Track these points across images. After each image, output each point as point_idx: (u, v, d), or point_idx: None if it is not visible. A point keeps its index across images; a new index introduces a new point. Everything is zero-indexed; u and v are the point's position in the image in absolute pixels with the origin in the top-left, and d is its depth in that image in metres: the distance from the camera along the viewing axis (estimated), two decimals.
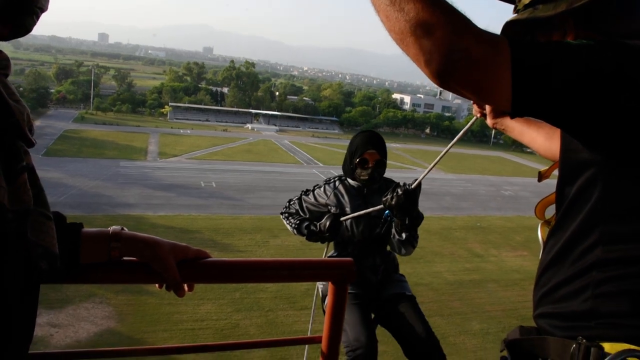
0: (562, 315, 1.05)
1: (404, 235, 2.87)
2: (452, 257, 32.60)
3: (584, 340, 0.98)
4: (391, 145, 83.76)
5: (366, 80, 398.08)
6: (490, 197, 52.61)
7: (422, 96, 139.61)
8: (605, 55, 0.89)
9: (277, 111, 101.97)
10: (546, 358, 1.08)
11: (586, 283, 1.01)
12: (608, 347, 0.94)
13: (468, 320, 23.71)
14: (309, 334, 3.52)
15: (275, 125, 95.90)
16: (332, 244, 3.25)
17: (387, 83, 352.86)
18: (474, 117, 1.98)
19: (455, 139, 2.36)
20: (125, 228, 1.17)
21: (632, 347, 0.92)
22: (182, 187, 45.16)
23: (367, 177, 3.09)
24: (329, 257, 3.20)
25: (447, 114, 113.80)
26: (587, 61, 0.88)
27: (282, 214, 3.39)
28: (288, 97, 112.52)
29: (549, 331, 1.08)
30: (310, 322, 3.49)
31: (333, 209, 3.18)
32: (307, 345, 3.35)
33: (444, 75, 0.90)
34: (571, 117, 0.91)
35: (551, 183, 1.28)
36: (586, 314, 1.00)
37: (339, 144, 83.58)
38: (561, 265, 1.07)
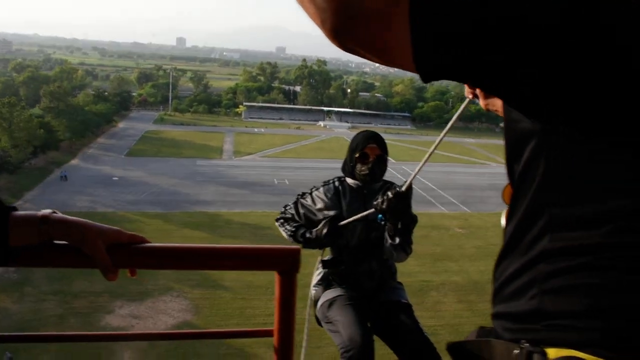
0: (510, 316, 0.89)
1: (396, 239, 2.75)
2: None
3: (527, 345, 0.83)
4: (464, 140, 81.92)
5: None
6: None
7: None
8: None
9: (349, 108, 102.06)
10: None
11: (533, 277, 0.85)
12: (552, 352, 0.80)
13: None
14: (304, 340, 3.44)
15: (348, 122, 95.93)
16: (327, 248, 3.14)
17: None
18: (466, 100, 1.81)
19: (447, 127, 2.16)
20: (57, 211, 1.16)
21: (576, 353, 0.78)
22: (256, 184, 46.13)
23: (367, 172, 2.98)
24: (322, 260, 3.12)
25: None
26: (505, 12, 0.71)
27: (277, 220, 3.29)
28: (360, 93, 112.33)
29: (499, 334, 0.92)
30: (306, 328, 3.43)
31: (331, 212, 3.06)
32: (307, 310, 3.24)
33: (341, 35, 0.78)
34: (493, 76, 0.76)
35: None
36: (533, 314, 0.85)
37: (411, 139, 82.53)
38: (512, 256, 0.91)
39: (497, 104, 1.48)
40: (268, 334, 1.42)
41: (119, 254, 1.18)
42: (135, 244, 1.23)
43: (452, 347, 1.01)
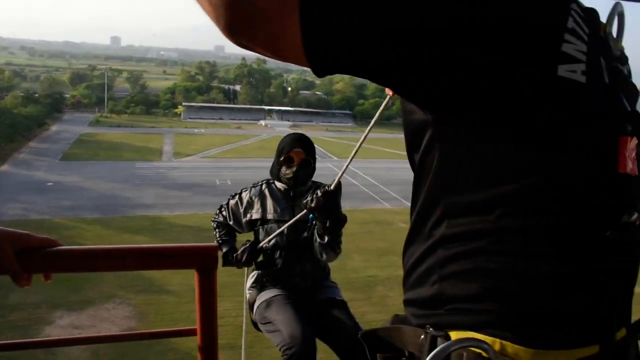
0: (417, 302, 0.93)
1: (325, 238, 2.78)
2: None
3: (431, 329, 0.86)
4: (403, 137, 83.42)
5: None
6: None
7: None
8: None
9: (290, 106, 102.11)
10: (404, 349, 0.96)
11: (433, 263, 0.88)
12: (454, 335, 0.83)
13: None
14: (242, 342, 3.49)
15: (289, 121, 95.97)
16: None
17: None
18: (387, 97, 1.78)
19: (370, 126, 2.17)
20: None
21: (474, 334, 0.81)
22: (198, 185, 45.46)
23: (291, 175, 3.01)
24: (256, 262, 3.14)
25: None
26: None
27: (212, 221, 3.32)
28: (300, 92, 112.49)
29: (408, 319, 0.96)
30: (244, 331, 3.41)
31: (255, 214, 3.09)
32: (244, 321, 3.29)
33: (235, 32, 0.78)
34: (382, 64, 0.77)
35: None
36: (435, 299, 0.88)
37: (353, 137, 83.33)
38: (415, 243, 0.95)
39: None
40: (191, 332, 1.41)
41: (30, 258, 1.13)
42: (47, 247, 1.18)
43: (366, 335, 1.02)
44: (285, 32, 0.76)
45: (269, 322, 2.91)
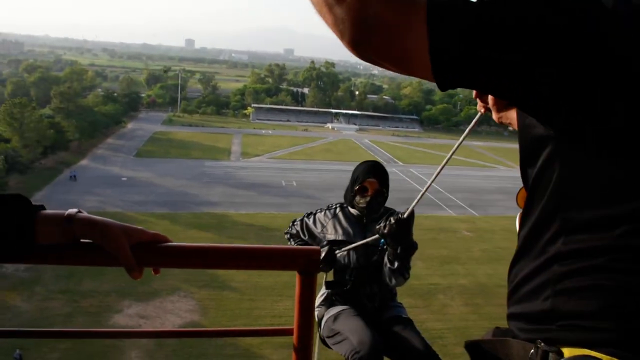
0: (526, 316, 0.94)
1: (395, 264, 2.81)
2: None
3: (542, 344, 0.86)
4: (473, 144, 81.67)
5: None
6: None
7: None
8: (550, 5, 0.75)
9: (357, 110, 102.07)
10: None
11: (547, 279, 0.88)
12: (567, 352, 0.83)
13: None
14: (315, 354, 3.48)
15: (355, 125, 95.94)
16: (331, 271, 3.21)
17: None
18: (478, 114, 1.77)
19: (459, 141, 2.13)
20: (82, 210, 1.19)
21: (591, 352, 0.80)
22: (264, 186, 46.22)
23: (364, 205, 3.06)
24: (326, 282, 3.22)
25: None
26: (523, 13, 0.74)
27: (286, 233, 3.42)
28: (368, 96, 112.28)
29: (515, 333, 0.97)
30: (316, 346, 3.44)
31: (330, 236, 3.15)
32: (317, 333, 3.26)
33: (360, 46, 0.80)
34: (508, 85, 0.79)
35: None
36: (547, 315, 0.88)
37: (419, 142, 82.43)
38: (527, 258, 0.95)
39: (510, 117, 1.54)
40: (288, 332, 1.46)
41: (143, 252, 1.21)
42: (159, 243, 1.25)
43: (470, 346, 1.06)
44: (412, 45, 0.77)
45: (337, 333, 2.95)
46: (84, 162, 51.54)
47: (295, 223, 3.35)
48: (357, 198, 3.09)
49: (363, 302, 3.13)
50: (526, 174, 0.98)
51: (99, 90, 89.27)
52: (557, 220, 0.87)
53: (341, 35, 0.81)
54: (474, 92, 1.71)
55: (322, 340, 3.18)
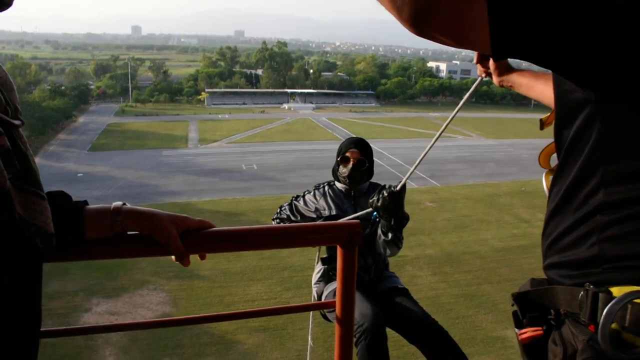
0: (569, 264, 1.01)
1: (389, 235, 2.93)
2: (498, 224, 32.15)
3: (592, 287, 0.93)
4: (430, 115, 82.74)
5: (400, 50, 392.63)
6: (534, 161, 50.38)
7: (457, 62, 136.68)
8: None
9: (313, 89, 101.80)
10: (556, 308, 1.06)
11: (591, 228, 0.95)
12: (616, 291, 0.90)
13: (518, 286, 22.90)
14: (309, 333, 3.57)
15: (312, 103, 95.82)
16: (324, 247, 3.34)
17: (421, 52, 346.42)
18: (479, 78, 1.88)
19: (459, 106, 2.19)
20: (127, 203, 1.19)
21: (639, 288, 0.88)
22: (225, 171, 45.88)
23: (347, 174, 3.23)
24: (321, 258, 3.32)
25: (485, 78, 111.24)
26: None
27: (273, 219, 3.48)
28: (322, 73, 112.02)
29: (557, 281, 1.04)
30: (310, 325, 3.49)
31: (325, 212, 3.27)
32: (311, 314, 3.44)
33: (418, 22, 0.83)
34: (558, 56, 0.83)
35: None
36: (593, 260, 0.95)
37: (376, 117, 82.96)
38: (565, 212, 1.02)
39: (511, 80, 1.68)
40: (331, 305, 1.53)
41: (190, 240, 1.24)
42: (204, 229, 1.29)
43: (518, 297, 1.16)
44: (471, 17, 0.80)
45: None
46: (35, 160, 49.93)
47: (284, 208, 3.45)
48: (340, 168, 3.28)
49: (359, 274, 3.20)
50: (561, 135, 1.04)
51: (45, 84, 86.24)
52: (597, 175, 0.94)
53: (398, 12, 0.82)
54: (475, 56, 1.76)
55: (323, 316, 3.33)
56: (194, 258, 1.31)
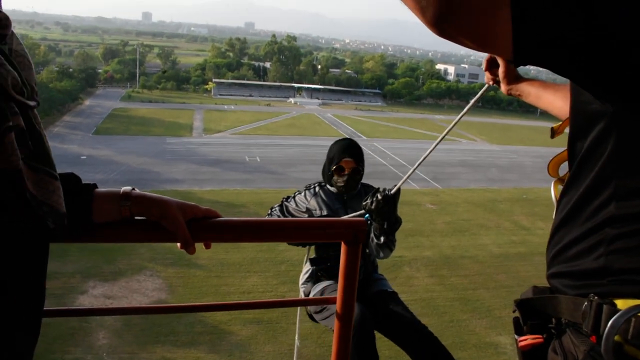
0: (574, 274, 1.01)
1: (382, 239, 2.91)
2: (497, 230, 32.16)
3: (596, 298, 0.93)
4: (435, 117, 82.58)
5: (409, 51, 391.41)
6: (537, 169, 51.17)
7: (466, 66, 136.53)
8: None
9: (320, 84, 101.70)
10: (558, 317, 1.07)
11: (599, 240, 0.95)
12: (620, 303, 0.90)
13: (514, 293, 23.30)
14: (296, 333, 3.56)
15: (318, 99, 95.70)
16: (313, 247, 3.34)
17: (430, 54, 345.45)
18: (486, 85, 1.87)
19: (463, 112, 2.16)
20: (136, 188, 1.20)
21: None
22: (227, 162, 45.90)
23: (343, 184, 3.20)
24: (310, 259, 3.32)
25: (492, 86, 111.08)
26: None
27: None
28: (330, 70, 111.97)
29: (561, 290, 1.05)
30: (297, 322, 3.50)
31: (316, 213, 3.24)
32: (299, 309, 3.43)
33: (441, 23, 0.83)
34: (579, 65, 0.84)
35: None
36: (599, 272, 0.95)
37: (382, 116, 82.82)
38: (574, 223, 1.02)
39: (520, 89, 1.68)
40: (332, 301, 1.54)
41: (197, 228, 1.24)
42: (211, 218, 1.29)
43: (520, 304, 1.16)
44: (494, 25, 0.81)
45: (325, 308, 3.03)
46: (48, 144, 50.08)
47: (274, 209, 3.41)
48: (335, 178, 3.22)
49: None
50: (575, 146, 1.03)
51: (53, 65, 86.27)
52: (609, 188, 0.93)
53: (422, 13, 0.83)
54: (484, 64, 1.76)
55: (310, 316, 3.26)
56: (198, 246, 1.32)
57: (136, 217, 1.20)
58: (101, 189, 1.20)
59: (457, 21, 0.83)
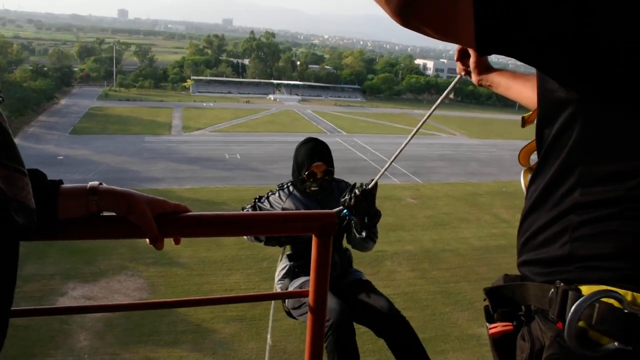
0: (542, 261, 1.02)
1: (364, 233, 2.92)
2: (478, 223, 32.47)
3: (562, 284, 0.94)
4: (415, 112, 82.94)
5: (388, 46, 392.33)
6: (516, 162, 49.87)
7: (445, 61, 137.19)
8: None
9: (299, 81, 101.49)
10: (527, 304, 1.07)
11: (564, 227, 0.97)
12: (585, 289, 0.91)
13: None
14: (269, 331, 3.60)
15: (298, 95, 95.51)
16: (289, 245, 3.34)
17: (409, 49, 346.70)
18: (457, 77, 1.86)
19: (435, 105, 2.14)
20: (103, 183, 1.16)
21: (607, 287, 0.89)
22: (207, 159, 45.59)
23: (317, 188, 3.18)
24: (288, 255, 3.32)
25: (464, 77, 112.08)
26: None
27: None
28: (309, 66, 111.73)
29: (530, 278, 1.06)
30: (270, 319, 3.52)
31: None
32: (273, 303, 3.45)
33: (404, 13, 0.84)
34: (544, 53, 0.84)
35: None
36: (564, 259, 0.96)
37: (362, 111, 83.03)
38: (541, 210, 1.03)
39: (490, 80, 1.69)
40: (304, 294, 1.55)
41: (166, 223, 1.22)
42: (180, 213, 1.26)
43: (489, 292, 1.17)
44: (457, 10, 0.82)
45: (304, 304, 3.01)
46: (15, 141, 49.15)
47: (246, 209, 3.35)
48: (308, 183, 3.19)
49: None
50: (542, 134, 1.04)
51: (27, 64, 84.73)
52: (575, 174, 0.95)
53: (386, 2, 0.84)
54: (455, 54, 1.76)
55: (288, 313, 3.25)
56: (170, 244, 1.30)
57: (104, 213, 1.18)
58: (67, 184, 1.17)
59: (419, 11, 0.83)
